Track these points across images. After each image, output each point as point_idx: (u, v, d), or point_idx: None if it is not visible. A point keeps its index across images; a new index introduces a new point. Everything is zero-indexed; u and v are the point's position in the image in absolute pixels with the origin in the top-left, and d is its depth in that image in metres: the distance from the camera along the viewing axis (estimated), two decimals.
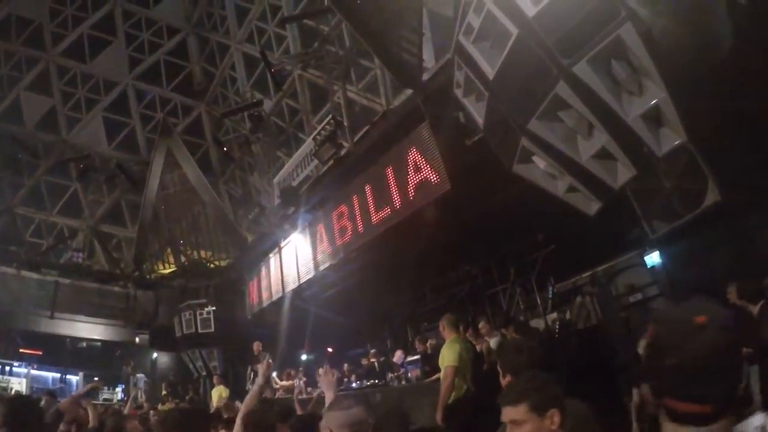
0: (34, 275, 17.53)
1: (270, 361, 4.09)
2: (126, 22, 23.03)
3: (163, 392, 17.01)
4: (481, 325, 8.95)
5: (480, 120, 6.92)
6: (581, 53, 4.67)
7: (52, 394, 9.84)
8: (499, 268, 11.59)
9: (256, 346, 12.70)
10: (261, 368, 4.12)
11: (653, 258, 7.74)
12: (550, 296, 9.84)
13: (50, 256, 20.25)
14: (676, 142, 4.48)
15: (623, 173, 5.04)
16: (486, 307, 11.90)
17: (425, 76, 10.16)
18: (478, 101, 6.78)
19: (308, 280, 13.70)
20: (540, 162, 6.18)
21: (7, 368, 16.74)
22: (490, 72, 5.95)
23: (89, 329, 17.94)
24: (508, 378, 2.79)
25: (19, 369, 17.00)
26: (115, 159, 21.46)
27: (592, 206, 5.74)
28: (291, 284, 14.28)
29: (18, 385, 16.51)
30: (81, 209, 22.02)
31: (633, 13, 4.22)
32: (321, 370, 3.88)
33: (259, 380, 4.09)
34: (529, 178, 6.56)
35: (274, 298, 15.25)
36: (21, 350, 17.22)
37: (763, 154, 5.31)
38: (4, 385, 16.22)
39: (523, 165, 6.48)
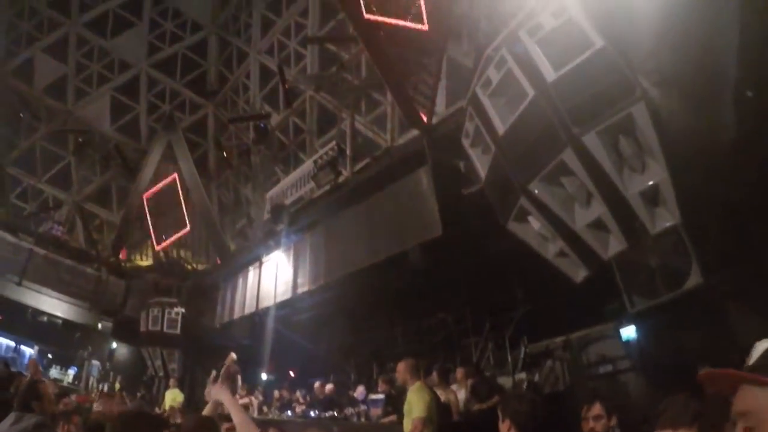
0: (10, 237, 16.95)
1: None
2: (153, 8, 23.28)
3: (117, 385, 16.59)
4: (458, 371, 8.94)
5: (483, 172, 7.04)
6: (592, 124, 4.85)
7: (6, 364, 9.62)
8: (475, 320, 11.61)
9: (230, 357, 12.34)
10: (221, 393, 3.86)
11: (628, 332, 7.82)
12: (522, 356, 9.85)
13: (30, 222, 19.85)
14: (669, 224, 4.63)
15: (614, 245, 5.16)
16: (457, 357, 11.84)
17: (434, 120, 10.33)
18: (485, 154, 6.91)
19: (284, 301, 13.59)
20: (535, 223, 6.28)
21: None
22: (500, 127, 6.10)
23: (54, 305, 17.31)
24: (507, 422, 2.91)
25: None
26: (114, 140, 21.36)
27: (579, 273, 5.84)
28: (266, 301, 14.14)
29: None
30: (71, 183, 21.69)
31: (647, 93, 4.42)
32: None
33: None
34: (521, 237, 6.66)
35: (246, 312, 15.05)
36: None
37: (746, 242, 5.46)
38: None
39: (517, 223, 6.59)
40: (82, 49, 22.09)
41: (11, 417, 3.85)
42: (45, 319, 17.64)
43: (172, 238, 18.85)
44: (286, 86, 17.26)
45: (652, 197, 4.73)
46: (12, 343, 17.18)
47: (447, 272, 10.59)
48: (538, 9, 5.43)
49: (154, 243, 19.22)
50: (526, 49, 5.46)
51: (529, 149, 5.77)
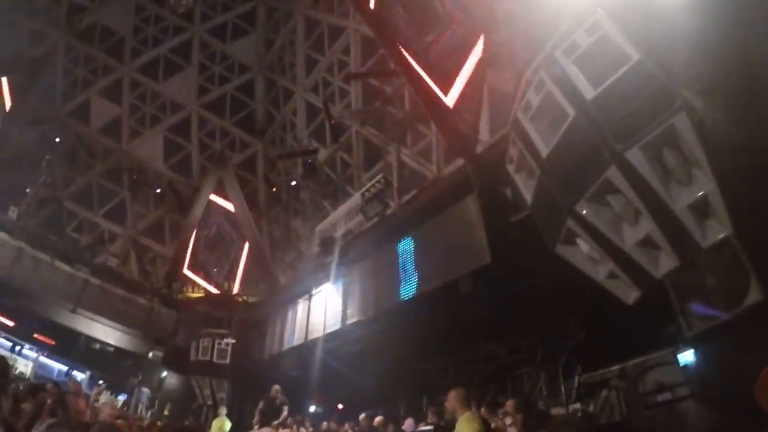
0: (67, 268, 17.89)
1: None
2: (202, 52, 24.77)
3: (166, 412, 16.90)
4: (508, 404, 8.70)
5: (528, 197, 6.96)
6: (635, 139, 4.74)
7: (57, 384, 10.01)
8: (527, 351, 11.29)
9: (276, 389, 12.44)
10: None
11: (687, 356, 7.41)
12: (575, 386, 9.50)
13: (86, 254, 20.82)
14: (721, 235, 4.44)
15: (666, 263, 4.97)
16: (508, 388, 11.53)
17: (479, 149, 10.34)
18: (529, 178, 6.83)
19: (333, 332, 13.64)
20: (583, 245, 6.14)
21: (18, 348, 16.86)
22: (544, 150, 6.02)
23: (106, 332, 18.09)
24: None
25: (29, 352, 17.12)
26: (167, 177, 22.58)
27: (631, 294, 5.64)
28: (315, 333, 14.24)
29: (24, 367, 16.61)
30: (125, 217, 22.94)
31: (688, 103, 4.32)
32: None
33: None
34: (570, 261, 6.50)
35: (296, 343, 15.18)
36: (35, 335, 17.29)
37: None
38: (10, 363, 16.31)
39: (566, 246, 6.44)
40: (135, 92, 23.61)
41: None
42: (97, 346, 18.36)
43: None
44: (332, 122, 17.71)
45: (701, 209, 4.55)
46: (65, 368, 17.82)
47: (498, 301, 10.40)
48: (572, 28, 5.42)
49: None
50: (563, 69, 5.44)
51: (574, 170, 5.67)
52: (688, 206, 4.58)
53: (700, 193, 4.49)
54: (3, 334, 16.53)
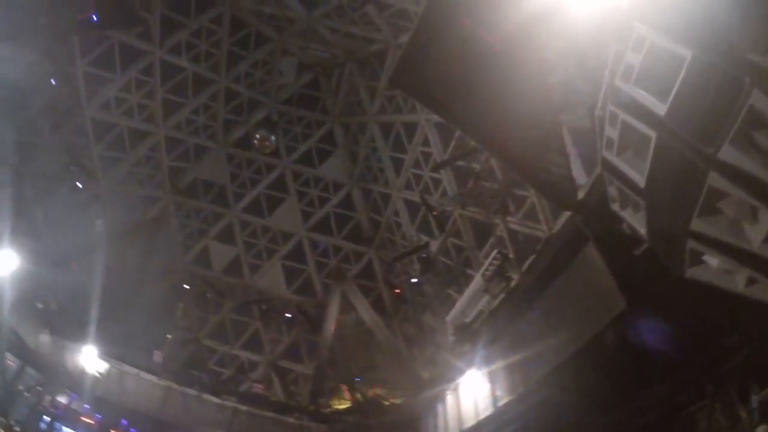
0: (214, 399, 19.15)
1: None
2: (296, 181, 26.71)
3: None
4: None
5: (642, 231, 6.76)
6: (721, 136, 4.54)
7: None
8: (693, 385, 10.27)
9: None
10: None
11: None
12: (755, 406, 8.40)
13: (230, 384, 22.25)
14: None
15: None
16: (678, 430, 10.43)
17: (580, 194, 10.21)
18: (636, 212, 6.64)
19: (487, 417, 13.33)
20: (711, 260, 5.83)
21: None
22: (640, 180, 5.84)
23: None
24: None
25: None
26: (293, 302, 23.92)
27: None
28: (469, 422, 14.05)
29: None
30: (261, 345, 24.30)
31: (756, 71, 4.10)
32: None
33: None
34: (705, 280, 6.15)
35: None
36: None
37: None
38: None
39: (695, 268, 6.13)
40: (246, 231, 25.72)
41: None
42: None
43: None
44: (434, 213, 18.17)
45: None
46: None
47: (647, 343, 9.75)
48: (620, 51, 5.43)
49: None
50: (629, 95, 5.41)
51: (676, 190, 5.50)
52: None
53: None
54: None
